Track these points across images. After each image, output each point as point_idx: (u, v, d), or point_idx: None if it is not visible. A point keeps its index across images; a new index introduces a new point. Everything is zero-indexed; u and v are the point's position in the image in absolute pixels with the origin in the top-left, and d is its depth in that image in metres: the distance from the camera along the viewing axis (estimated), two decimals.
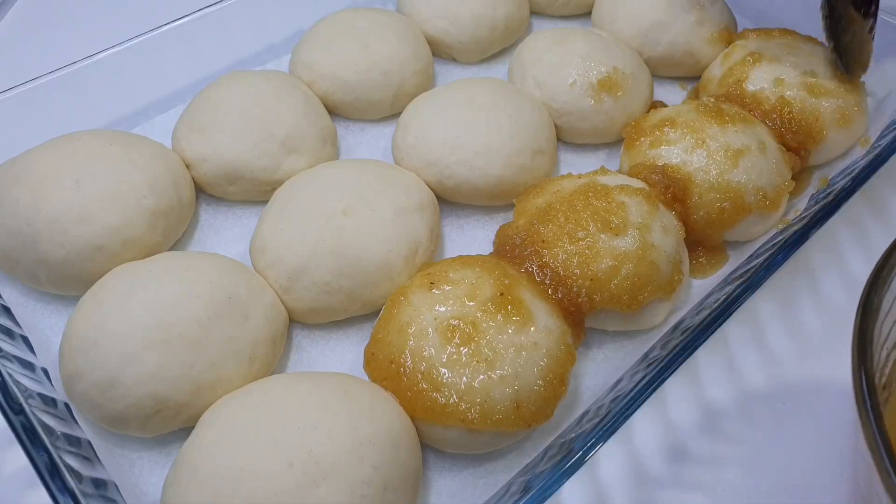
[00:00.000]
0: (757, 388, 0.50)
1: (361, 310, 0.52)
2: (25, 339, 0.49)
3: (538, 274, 0.49)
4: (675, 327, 0.49)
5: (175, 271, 0.47)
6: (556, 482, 0.37)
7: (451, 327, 0.44)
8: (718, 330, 0.45)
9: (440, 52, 0.73)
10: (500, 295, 0.45)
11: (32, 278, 0.51)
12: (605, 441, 0.39)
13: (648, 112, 0.64)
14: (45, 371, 0.47)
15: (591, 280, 0.48)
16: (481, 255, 0.51)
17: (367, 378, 0.45)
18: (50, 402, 0.44)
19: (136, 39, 0.64)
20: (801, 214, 0.57)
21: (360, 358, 0.47)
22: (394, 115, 0.67)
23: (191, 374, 0.43)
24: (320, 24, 0.69)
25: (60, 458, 0.38)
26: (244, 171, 0.58)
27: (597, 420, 0.40)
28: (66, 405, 0.46)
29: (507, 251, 0.50)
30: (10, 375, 0.42)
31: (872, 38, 0.59)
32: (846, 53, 0.61)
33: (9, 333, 0.47)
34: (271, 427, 0.39)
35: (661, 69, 0.71)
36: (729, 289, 0.48)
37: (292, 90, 0.62)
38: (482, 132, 0.58)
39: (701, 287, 0.55)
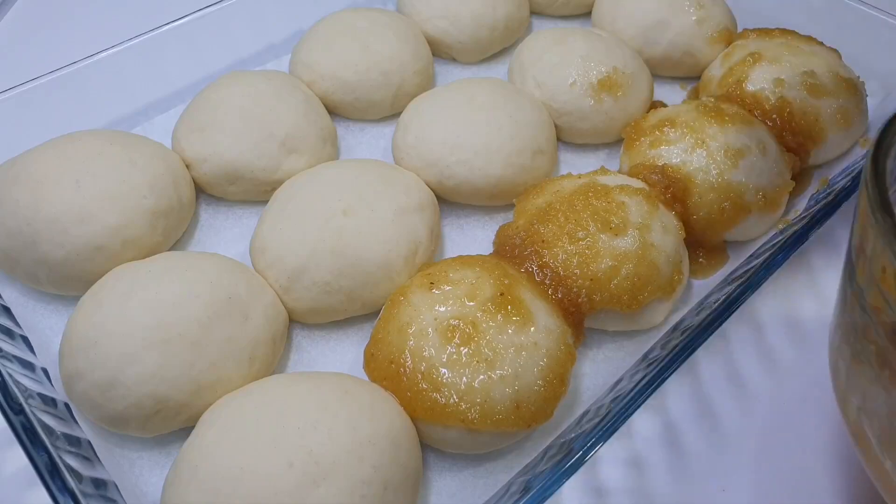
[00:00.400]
0: (757, 387, 0.50)
1: (361, 310, 0.52)
2: (25, 339, 0.49)
3: (538, 274, 0.49)
4: (675, 327, 0.49)
5: (175, 271, 0.47)
6: (556, 482, 0.37)
7: (451, 327, 0.44)
8: (718, 330, 0.45)
9: (440, 52, 0.73)
10: (500, 295, 0.45)
11: (32, 278, 0.51)
12: (605, 441, 0.39)
13: (648, 112, 0.64)
14: (45, 371, 0.47)
15: (591, 280, 0.48)
16: (481, 255, 0.51)
17: (367, 378, 0.45)
18: (50, 402, 0.44)
19: (136, 39, 0.64)
20: (801, 214, 0.57)
21: (360, 358, 0.47)
22: (394, 115, 0.67)
23: (191, 374, 0.43)
24: (320, 24, 0.69)
25: (60, 458, 0.38)
26: (244, 171, 0.58)
27: (597, 420, 0.40)
28: (66, 405, 0.45)
29: (507, 251, 0.50)
30: (10, 375, 0.42)
31: None
32: None
33: (9, 333, 0.47)
34: (271, 427, 0.39)
35: (661, 69, 0.71)
36: (729, 289, 0.48)
37: (292, 90, 0.62)
38: (482, 132, 0.58)
39: (701, 287, 0.55)
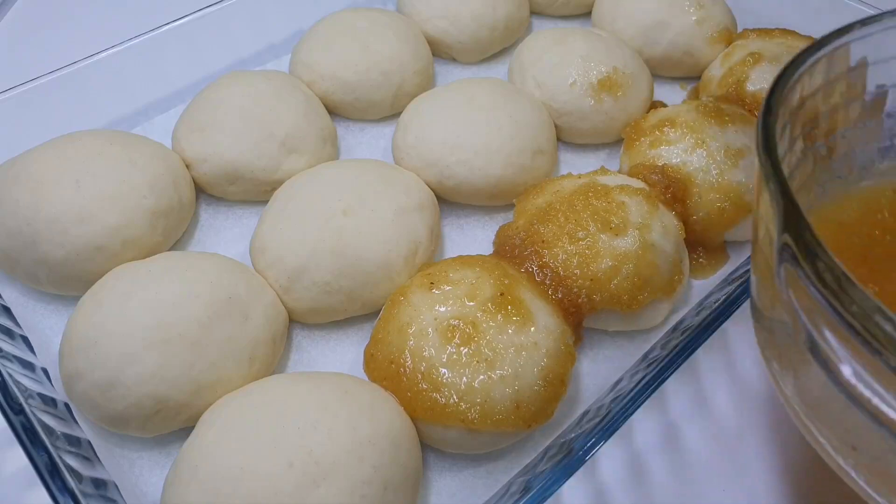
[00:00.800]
0: (757, 387, 0.50)
1: (361, 310, 0.52)
2: (25, 339, 0.49)
3: (538, 274, 0.49)
4: (676, 327, 0.49)
5: (175, 271, 0.47)
6: (556, 482, 0.37)
7: (451, 327, 0.44)
8: (718, 330, 0.45)
9: (440, 52, 0.73)
10: (500, 295, 0.45)
11: (32, 278, 0.51)
12: (606, 441, 0.39)
13: (648, 112, 0.64)
14: (45, 371, 0.47)
15: (591, 280, 0.48)
16: (481, 255, 0.51)
17: (367, 378, 0.45)
18: (50, 402, 0.44)
19: (136, 39, 0.64)
20: None
21: (360, 358, 0.47)
22: (394, 115, 0.67)
23: (191, 374, 0.43)
24: (320, 24, 0.69)
25: (60, 458, 0.38)
26: (244, 171, 0.58)
27: (597, 420, 0.40)
28: (66, 405, 0.45)
29: (507, 251, 0.50)
30: (10, 375, 0.42)
31: None
32: None
33: (9, 333, 0.47)
34: (271, 427, 0.39)
35: (661, 69, 0.71)
36: (729, 289, 0.48)
37: (292, 90, 0.62)
38: (482, 132, 0.58)
39: (701, 287, 0.55)
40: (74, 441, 0.42)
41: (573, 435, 0.41)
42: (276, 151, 0.58)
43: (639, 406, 0.40)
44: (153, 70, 0.66)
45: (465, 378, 0.42)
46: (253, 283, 0.49)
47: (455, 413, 0.42)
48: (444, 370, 0.43)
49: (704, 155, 0.55)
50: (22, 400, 0.40)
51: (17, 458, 0.45)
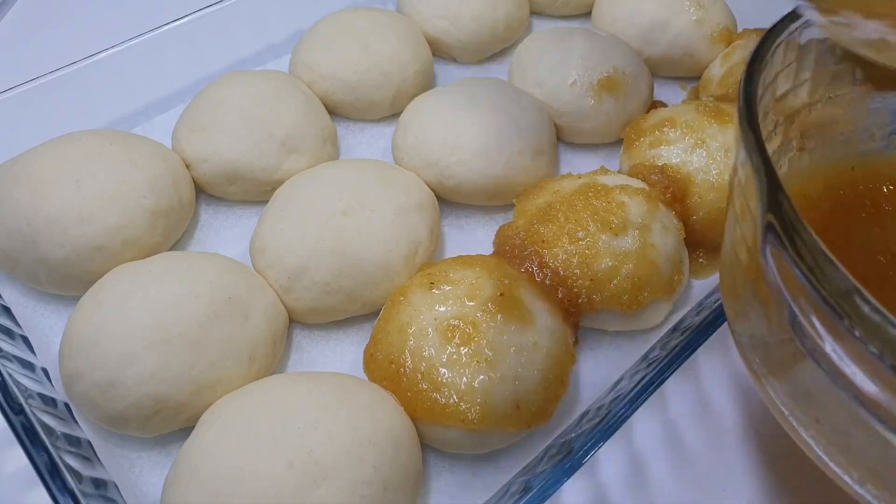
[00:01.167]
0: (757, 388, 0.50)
1: (361, 310, 0.52)
2: (25, 339, 0.49)
3: (538, 274, 0.49)
4: (676, 327, 0.49)
5: (175, 271, 0.47)
6: (556, 482, 0.37)
7: (451, 327, 0.44)
8: (719, 330, 0.45)
9: (440, 52, 0.73)
10: (501, 295, 0.45)
11: (32, 278, 0.51)
12: (606, 441, 0.39)
13: (648, 112, 0.64)
14: (45, 371, 0.47)
15: (591, 280, 0.48)
16: (481, 256, 0.51)
17: (367, 378, 0.45)
18: (50, 402, 0.44)
19: (136, 39, 0.64)
20: None
21: (360, 358, 0.47)
22: (394, 115, 0.67)
23: (191, 374, 0.43)
24: (320, 24, 0.69)
25: (60, 458, 0.38)
26: (244, 171, 0.58)
27: (597, 420, 0.40)
28: (66, 405, 0.45)
29: (507, 251, 0.50)
30: (10, 375, 0.42)
31: None
32: None
33: (9, 333, 0.47)
34: (271, 427, 0.39)
35: (661, 69, 0.71)
36: None
37: (292, 90, 0.62)
38: (482, 132, 0.58)
39: (701, 287, 0.55)
40: (74, 441, 0.42)
41: (573, 435, 0.41)
42: (276, 151, 0.58)
43: (639, 406, 0.40)
44: (153, 70, 0.66)
45: (465, 378, 0.42)
46: (253, 283, 0.49)
47: (455, 413, 0.42)
48: (444, 370, 0.43)
49: (704, 155, 0.55)
50: (22, 400, 0.40)
51: (17, 458, 0.45)
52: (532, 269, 0.49)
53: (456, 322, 0.44)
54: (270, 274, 0.51)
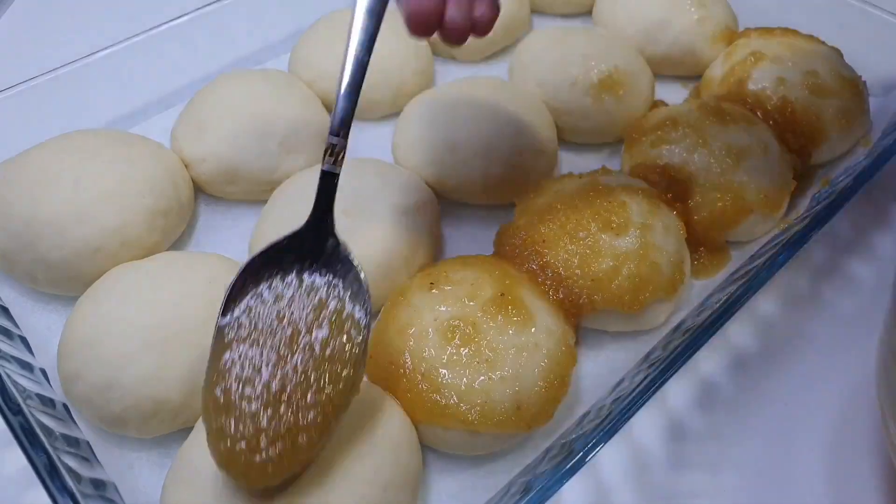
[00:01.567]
0: (759, 388, 0.50)
1: None
2: (24, 340, 0.48)
3: (539, 274, 0.48)
4: (677, 328, 0.49)
5: (174, 271, 0.47)
6: (556, 483, 0.37)
7: (451, 328, 0.44)
8: (720, 330, 0.45)
9: (440, 51, 0.73)
10: (501, 295, 0.45)
11: (31, 278, 0.51)
12: (607, 442, 0.39)
13: (650, 111, 0.64)
14: (44, 372, 0.47)
15: (593, 280, 0.48)
16: (482, 256, 0.50)
17: (366, 379, 0.45)
18: (48, 402, 0.44)
19: (135, 39, 0.64)
20: (802, 214, 0.57)
21: None
22: (394, 114, 0.67)
23: (189, 375, 0.43)
24: (320, 24, 0.69)
25: (59, 458, 0.38)
26: (243, 171, 0.57)
27: (598, 421, 0.40)
28: (65, 406, 0.45)
29: (508, 251, 0.50)
30: (9, 376, 0.41)
31: None
32: None
33: (7, 334, 0.47)
34: None
35: (662, 68, 0.71)
36: (731, 289, 0.47)
37: (291, 89, 0.62)
38: (482, 132, 0.58)
39: (703, 287, 0.55)
40: (73, 442, 0.42)
41: (574, 436, 0.41)
42: (275, 151, 0.58)
43: (640, 407, 0.40)
44: (152, 69, 0.66)
45: (465, 379, 0.42)
46: None
47: (455, 414, 0.41)
48: (444, 371, 0.42)
49: (706, 154, 0.55)
50: (20, 400, 0.40)
51: (15, 458, 0.44)
52: (533, 269, 0.49)
53: (456, 322, 0.44)
54: None
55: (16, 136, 0.56)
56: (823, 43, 0.66)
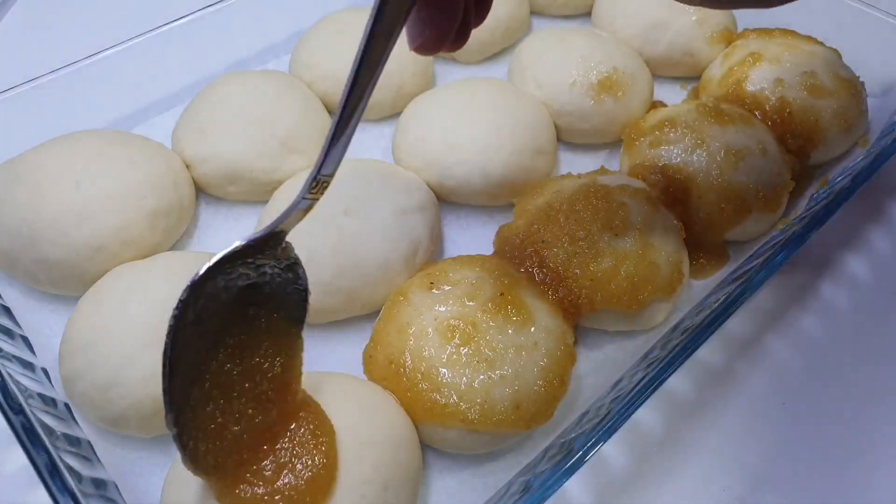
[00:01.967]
0: (757, 388, 0.50)
1: (361, 310, 0.52)
2: (25, 340, 0.49)
3: (538, 274, 0.49)
4: (676, 327, 0.49)
5: (175, 271, 0.47)
6: (556, 482, 0.37)
7: (451, 327, 0.44)
8: (719, 330, 0.45)
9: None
10: (501, 295, 0.45)
11: (32, 278, 0.51)
12: (606, 441, 0.39)
13: (648, 112, 0.64)
14: (45, 371, 0.47)
15: (592, 280, 0.48)
16: (481, 256, 0.51)
17: (366, 378, 0.45)
18: (50, 402, 0.44)
19: (136, 39, 0.64)
20: (801, 215, 0.57)
21: (360, 358, 0.47)
22: (394, 115, 0.67)
23: None
24: (320, 24, 0.69)
25: (60, 458, 0.38)
26: (244, 172, 0.58)
27: (597, 420, 0.40)
28: (66, 405, 0.45)
29: (508, 251, 0.50)
30: (10, 375, 0.41)
31: None
32: None
33: (9, 333, 0.47)
34: None
35: (661, 69, 0.71)
36: (729, 289, 0.47)
37: (292, 90, 0.62)
38: (482, 132, 0.58)
39: (701, 287, 0.55)
40: (74, 441, 0.42)
41: (573, 435, 0.41)
42: (276, 151, 0.58)
43: (639, 406, 0.40)
44: (153, 70, 0.66)
45: (464, 378, 0.42)
46: None
47: (455, 413, 0.42)
48: (443, 370, 0.43)
49: (705, 155, 0.55)
50: (22, 400, 0.40)
51: (16, 458, 0.45)
52: (532, 269, 0.49)
53: (456, 322, 0.44)
54: None
55: (17, 136, 0.56)
56: (822, 44, 0.66)
